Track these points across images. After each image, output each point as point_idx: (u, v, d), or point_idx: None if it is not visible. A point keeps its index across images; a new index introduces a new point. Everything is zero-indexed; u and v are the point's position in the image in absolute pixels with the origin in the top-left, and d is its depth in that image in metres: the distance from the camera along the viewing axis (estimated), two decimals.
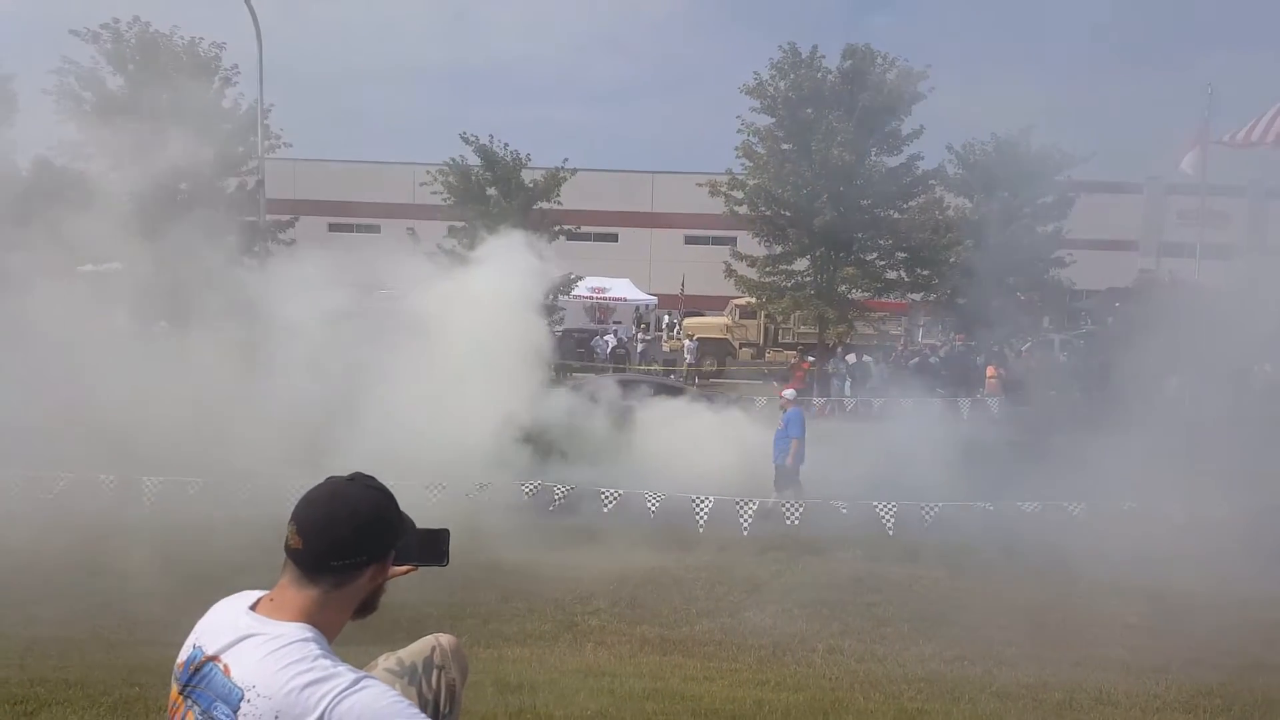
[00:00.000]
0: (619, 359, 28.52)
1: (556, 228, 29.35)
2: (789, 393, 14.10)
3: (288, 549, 1.83)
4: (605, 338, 30.95)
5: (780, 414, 13.59)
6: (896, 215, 28.83)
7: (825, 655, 7.77)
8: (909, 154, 28.45)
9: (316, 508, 1.83)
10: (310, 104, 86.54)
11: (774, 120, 28.05)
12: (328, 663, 1.71)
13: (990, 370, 24.59)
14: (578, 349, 29.59)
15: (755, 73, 27.95)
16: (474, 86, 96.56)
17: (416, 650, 2.28)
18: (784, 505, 12.00)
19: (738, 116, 28.43)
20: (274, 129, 27.86)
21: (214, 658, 1.79)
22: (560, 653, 7.64)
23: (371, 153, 69.29)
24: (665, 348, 32.43)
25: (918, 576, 10.41)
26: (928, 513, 11.71)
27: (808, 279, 28.85)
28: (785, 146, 28.03)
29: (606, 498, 11.93)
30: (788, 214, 28.15)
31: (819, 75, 27.53)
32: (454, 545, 2.08)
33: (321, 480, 1.91)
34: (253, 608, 1.84)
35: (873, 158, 28.16)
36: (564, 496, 12.00)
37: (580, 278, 31.65)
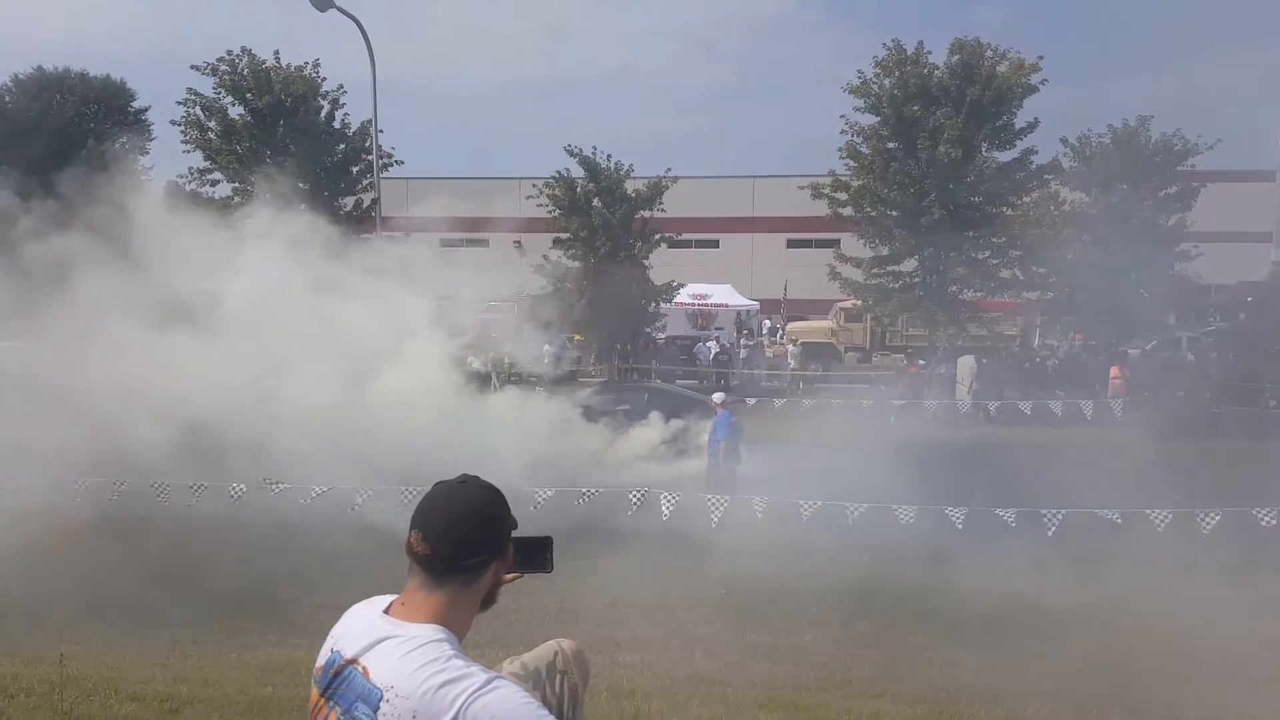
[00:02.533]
0: (721, 365, 28.41)
1: (658, 236, 29.56)
2: (718, 396, 14.29)
3: (413, 554, 1.86)
4: (707, 344, 30.91)
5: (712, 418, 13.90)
6: (1009, 211, 27.82)
7: (943, 667, 7.55)
8: (1022, 148, 27.45)
9: (437, 512, 1.87)
10: (420, 123, 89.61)
11: (879, 119, 27.51)
12: (460, 663, 1.75)
13: (1114, 371, 23.44)
14: (680, 356, 29.64)
15: (859, 72, 27.52)
16: (577, 100, 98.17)
17: (540, 655, 2.31)
18: (709, 501, 11.95)
19: (841, 116, 28.02)
20: (386, 148, 28.96)
21: (353, 660, 1.84)
22: (670, 659, 7.66)
23: (480, 169, 71.35)
24: (768, 353, 32.13)
25: (1039, 584, 10.00)
26: (1049, 519, 11.21)
27: (916, 280, 28.13)
28: (891, 145, 27.45)
29: (715, 506, 11.86)
30: (894, 214, 27.55)
31: (925, 71, 26.86)
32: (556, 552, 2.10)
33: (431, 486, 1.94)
34: (386, 611, 1.89)
35: (983, 153, 27.27)
36: (673, 505, 12.00)
37: (682, 285, 31.77)
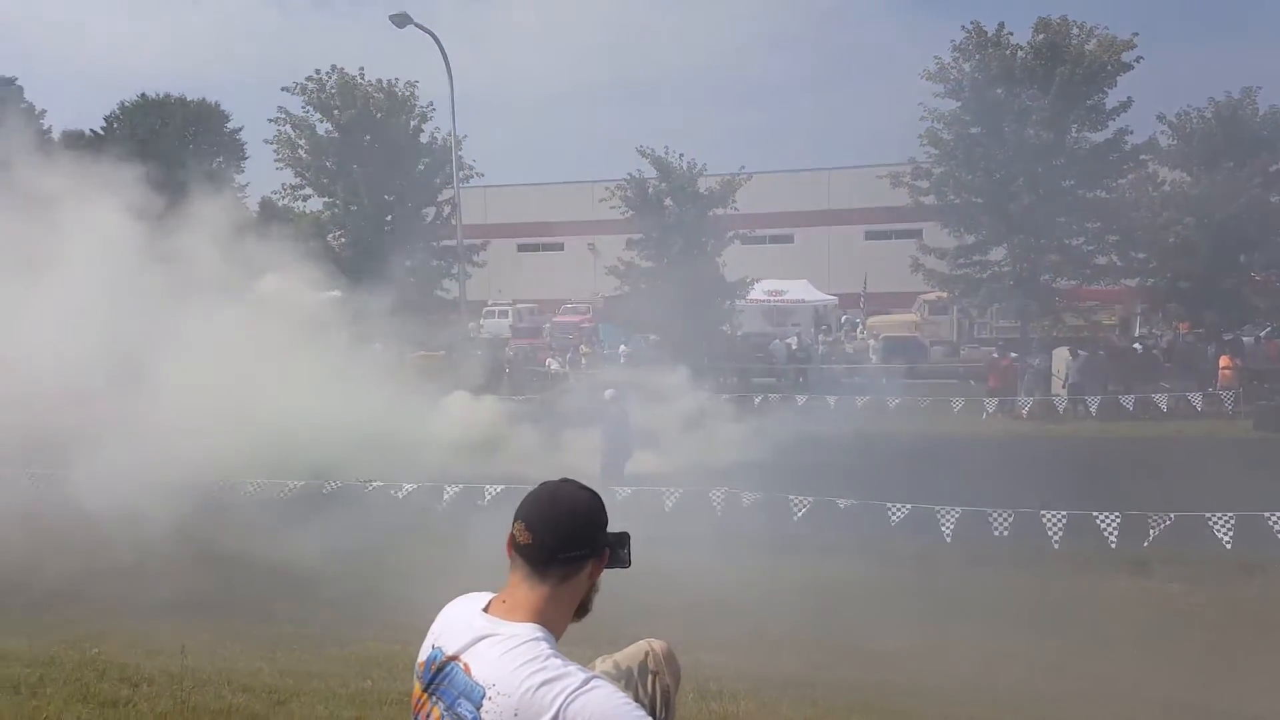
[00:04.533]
0: (799, 362, 27.97)
1: (731, 233, 29.32)
2: (610, 391, 14.26)
3: (517, 546, 1.91)
4: (785, 341, 30.48)
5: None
6: (1104, 195, 26.60)
7: (1045, 673, 7.22)
8: (1115, 128, 26.21)
9: (542, 504, 1.92)
10: (497, 132, 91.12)
11: (960, 104, 26.68)
12: (558, 662, 1.77)
13: (1224, 360, 22.17)
14: (756, 353, 29.29)
15: (936, 57, 26.72)
16: (648, 99, 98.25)
17: (631, 654, 2.32)
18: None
19: (919, 104, 27.26)
20: (466, 159, 29.45)
21: (454, 657, 1.88)
22: (756, 660, 7.53)
23: (554, 174, 72.14)
24: (848, 349, 31.53)
25: (1147, 590, 9.50)
26: (1104, 522, 10.55)
27: (1005, 269, 27.15)
28: (974, 130, 26.58)
29: (797, 504, 11.63)
30: (980, 201, 26.66)
31: (1007, 53, 25.93)
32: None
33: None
34: (486, 609, 1.93)
35: (1074, 135, 26.15)
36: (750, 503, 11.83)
37: (756, 281, 31.40)
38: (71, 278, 12.97)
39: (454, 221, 28.87)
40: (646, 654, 2.31)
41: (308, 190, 30.13)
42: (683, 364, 19.53)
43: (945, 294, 29.22)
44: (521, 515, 1.92)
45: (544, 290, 43.28)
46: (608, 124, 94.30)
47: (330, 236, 29.97)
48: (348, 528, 11.41)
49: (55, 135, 40.03)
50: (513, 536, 1.92)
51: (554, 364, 27.00)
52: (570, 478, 2.02)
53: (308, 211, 30.94)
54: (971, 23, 26.29)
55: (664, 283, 28.18)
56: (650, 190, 28.82)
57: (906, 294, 34.34)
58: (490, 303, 39.82)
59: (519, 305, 40.69)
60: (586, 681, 1.74)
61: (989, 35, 26.09)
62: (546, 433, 17.28)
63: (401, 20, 25.34)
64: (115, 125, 42.33)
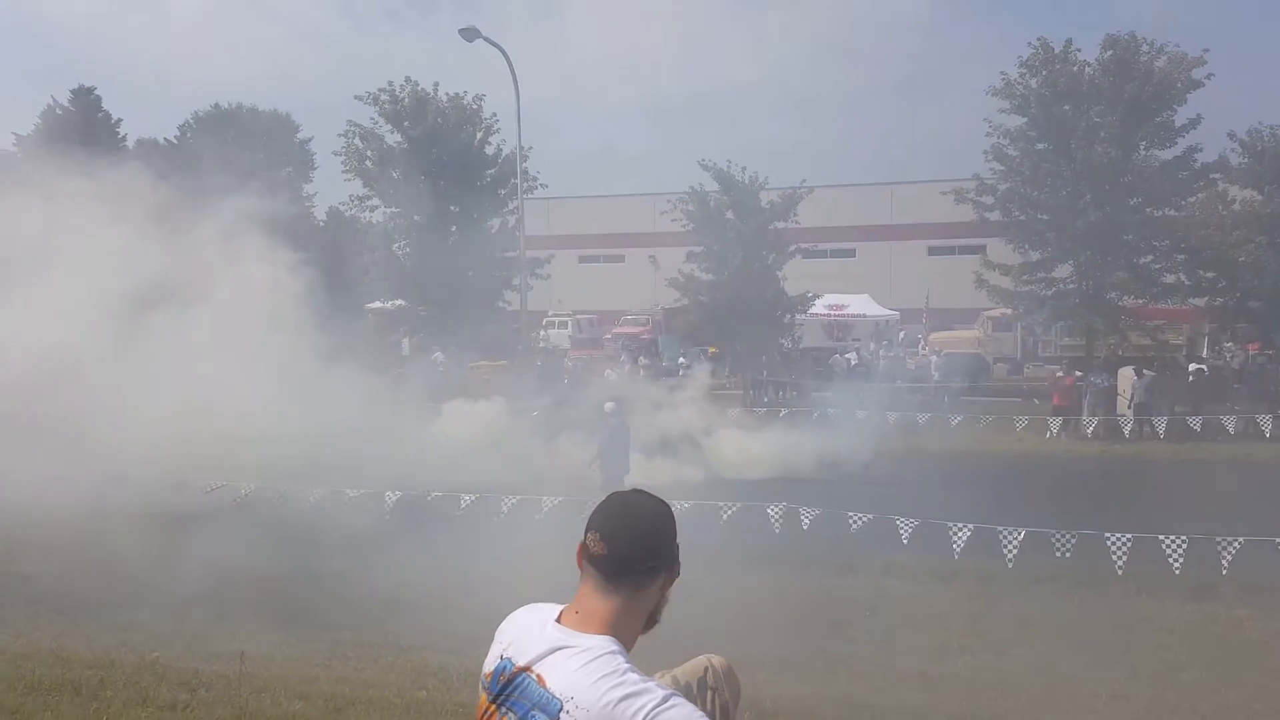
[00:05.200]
0: (859, 377, 27.76)
1: (792, 247, 29.28)
2: (609, 405, 14.25)
3: (589, 557, 1.89)
4: (845, 355, 30.28)
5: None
6: (1173, 213, 25.99)
7: (1110, 702, 7.16)
8: (1185, 146, 25.61)
9: (616, 515, 1.91)
10: (560, 143, 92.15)
11: (1026, 120, 26.32)
12: (637, 677, 1.75)
13: None
14: (816, 368, 29.17)
15: (1002, 73, 26.41)
16: (712, 113, 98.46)
17: (690, 670, 2.29)
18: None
19: (985, 119, 26.97)
20: (530, 170, 29.88)
21: (526, 669, 1.86)
22: (814, 681, 7.57)
23: (616, 186, 72.59)
24: (910, 365, 31.18)
25: (1214, 616, 9.32)
26: (1224, 548, 10.37)
27: (1071, 286, 26.67)
28: (1040, 146, 26.21)
29: (854, 520, 11.59)
30: (1045, 217, 26.27)
31: (1075, 69, 25.53)
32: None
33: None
34: (557, 620, 1.91)
35: (1142, 152, 25.62)
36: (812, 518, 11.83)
37: (817, 295, 31.27)
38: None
39: (517, 233, 29.33)
40: (706, 669, 2.28)
41: (375, 200, 30.85)
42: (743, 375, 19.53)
43: (1009, 310, 28.75)
44: (595, 525, 1.90)
45: (604, 302, 43.64)
46: (670, 136, 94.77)
47: (395, 246, 30.65)
48: (405, 537, 11.70)
49: (130, 143, 41.69)
50: (585, 547, 1.90)
51: (613, 375, 27.24)
52: (641, 488, 2.03)
53: (374, 222, 31.68)
54: (1038, 39, 25.98)
55: (724, 295, 28.28)
56: (712, 203, 28.95)
57: (969, 310, 33.84)
58: (550, 313, 40.27)
59: (579, 316, 41.07)
60: (667, 699, 1.72)
61: (1056, 52, 25.73)
62: (543, 439, 17.22)
63: (470, 34, 25.94)
64: (188, 134, 43.87)
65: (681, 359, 28.25)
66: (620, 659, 1.79)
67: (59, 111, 39.71)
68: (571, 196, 46.44)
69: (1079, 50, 25.72)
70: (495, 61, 26.81)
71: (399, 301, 32.04)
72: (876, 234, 45.16)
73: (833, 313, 36.36)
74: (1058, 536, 10.83)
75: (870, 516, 11.42)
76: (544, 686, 1.82)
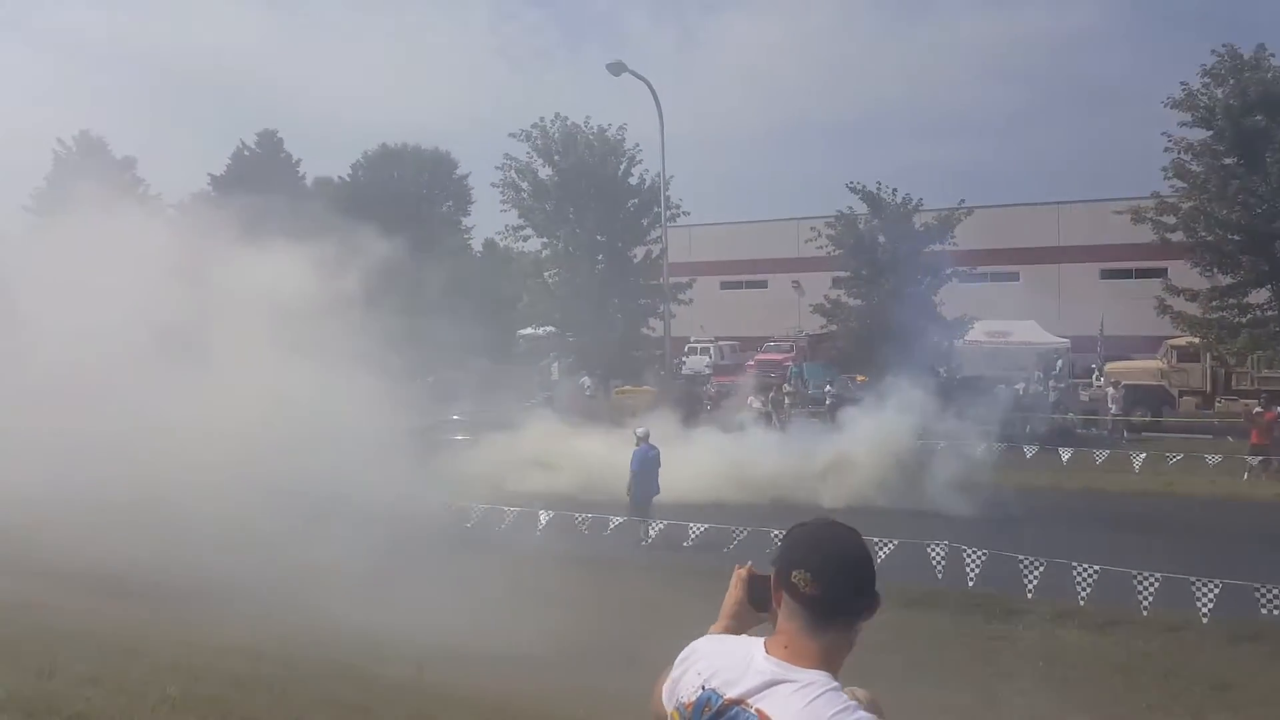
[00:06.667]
0: (1026, 409, 26.06)
1: (949, 270, 28.03)
2: (640, 430, 14.88)
3: (797, 595, 1.84)
4: (1011, 386, 28.55)
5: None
6: None
7: None
8: None
9: (825, 553, 1.85)
10: (702, 170, 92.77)
11: (1211, 133, 24.19)
12: (866, 714, 1.75)
13: None
14: (977, 399, 27.60)
15: (1182, 84, 24.42)
16: (859, 135, 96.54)
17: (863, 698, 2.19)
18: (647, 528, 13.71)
19: (1164, 134, 24.97)
20: (674, 199, 30.11)
21: (739, 701, 1.83)
22: None
23: (759, 212, 72.26)
24: (1084, 396, 29.04)
25: None
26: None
27: (1270, 313, 24.18)
28: (1228, 161, 24.00)
29: (1028, 568, 10.66)
30: (1237, 238, 23.97)
31: (1269, 76, 23.27)
32: None
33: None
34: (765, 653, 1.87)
35: None
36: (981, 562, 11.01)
37: (976, 320, 29.78)
38: None
39: (660, 261, 29.50)
40: (871, 701, 2.19)
41: (527, 231, 31.83)
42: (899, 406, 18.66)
43: (1197, 339, 26.34)
44: (801, 563, 1.84)
45: (746, 328, 43.22)
46: (814, 161, 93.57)
47: (546, 274, 31.48)
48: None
49: (309, 181, 44.93)
50: (794, 586, 1.84)
51: (755, 402, 26.78)
52: (831, 519, 1.96)
53: (527, 251, 32.70)
54: (1225, 45, 23.87)
55: (874, 321, 27.34)
56: (861, 226, 28.17)
57: (1150, 338, 31.29)
58: (692, 339, 40.24)
59: (720, 343, 40.84)
60: None
61: (1246, 59, 23.57)
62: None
63: (617, 68, 26.40)
64: (359, 173, 46.80)
65: (828, 386, 27.41)
66: (844, 696, 1.78)
67: (246, 154, 43.30)
68: (714, 223, 46.43)
69: (1273, 55, 23.47)
70: (641, 93, 27.19)
71: (549, 328, 32.84)
72: (1043, 256, 42.62)
73: (994, 339, 34.45)
74: (1263, 591, 9.60)
75: (1042, 561, 10.51)
76: None
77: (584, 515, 13.40)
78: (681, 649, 2.11)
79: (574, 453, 18.21)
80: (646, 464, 14.22)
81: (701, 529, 12.51)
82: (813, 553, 1.85)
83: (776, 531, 11.08)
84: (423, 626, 8.59)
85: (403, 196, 44.36)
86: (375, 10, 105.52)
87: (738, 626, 2.12)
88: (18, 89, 68.67)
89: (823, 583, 1.82)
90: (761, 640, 1.90)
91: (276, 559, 10.12)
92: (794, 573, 1.84)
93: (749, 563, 2.19)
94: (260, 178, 39.09)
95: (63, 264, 15.49)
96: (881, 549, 10.89)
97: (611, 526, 13.48)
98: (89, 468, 12.25)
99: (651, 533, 13.78)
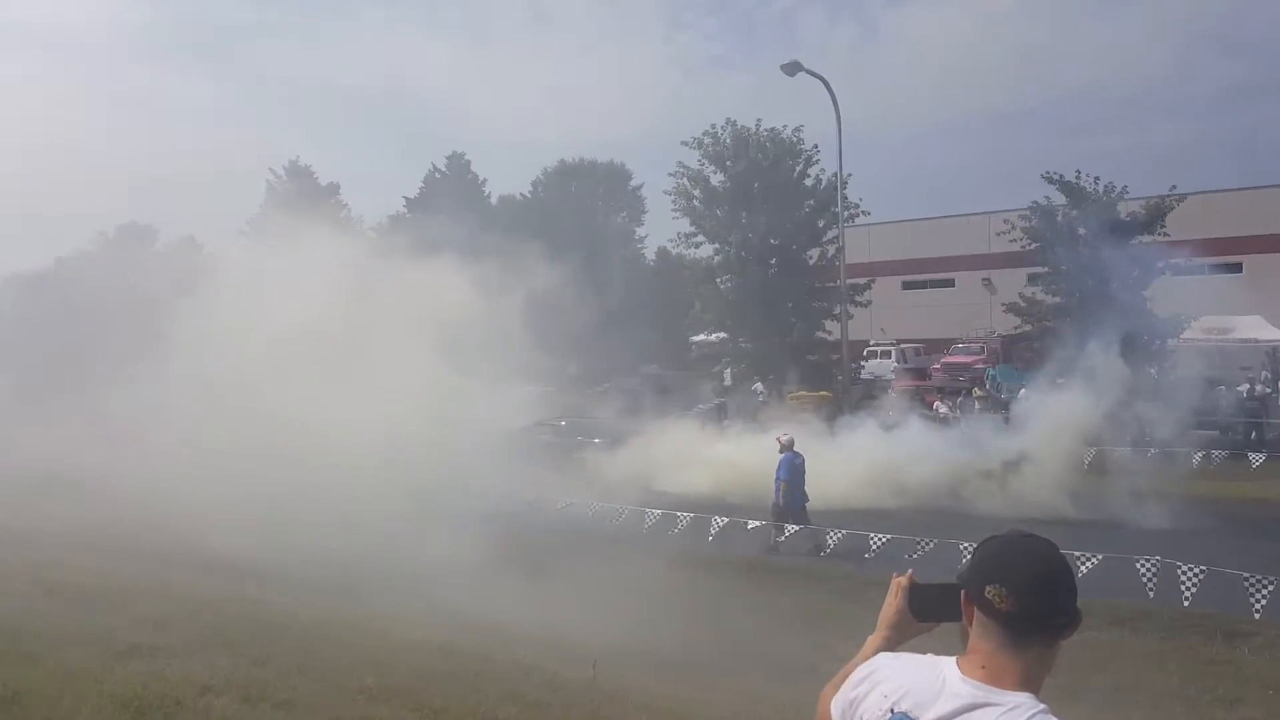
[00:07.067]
0: (1251, 412, 23.42)
1: (1161, 263, 25.62)
2: (785, 437, 14.49)
3: (992, 612, 1.76)
4: (1236, 387, 25.77)
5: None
6: None
7: None
8: None
9: (1020, 566, 1.77)
10: (880, 167, 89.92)
11: None
12: None
13: None
14: (1195, 401, 25.06)
15: None
16: (1052, 122, 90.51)
17: None
18: (775, 539, 13.45)
19: None
20: (852, 198, 29.32)
21: None
22: None
23: (943, 207, 69.19)
24: None
25: None
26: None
27: None
28: None
29: (1254, 586, 9.50)
30: None
31: None
32: None
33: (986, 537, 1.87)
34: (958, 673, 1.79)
35: None
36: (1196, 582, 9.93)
37: (1194, 317, 27.12)
38: None
39: (837, 262, 28.75)
40: None
41: (700, 238, 31.89)
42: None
43: None
44: (995, 577, 1.76)
45: (931, 329, 41.28)
46: (1003, 152, 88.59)
47: (719, 280, 31.43)
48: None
49: (494, 199, 47.20)
50: (988, 601, 1.76)
51: (942, 407, 25.53)
52: (1024, 530, 1.85)
53: (699, 258, 32.78)
54: None
55: (1076, 320, 25.39)
56: (1059, 218, 26.30)
57: None
58: (872, 342, 38.94)
59: (903, 345, 39.28)
60: None
61: None
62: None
63: (792, 69, 26.02)
64: (539, 189, 48.67)
65: (1024, 390, 25.72)
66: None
67: (437, 176, 46.02)
68: (894, 220, 44.73)
69: None
70: (817, 93, 26.66)
71: (721, 334, 32.75)
72: (1272, 244, 38.22)
73: (1214, 336, 31.16)
74: (777, 539, 9.74)
75: (1271, 579, 9.34)
76: None
77: (722, 518, 13.34)
78: (838, 660, 2.00)
79: (718, 457, 18.33)
80: (795, 471, 14.08)
81: (885, 539, 11.96)
82: (1008, 567, 1.77)
83: (966, 545, 10.61)
84: (581, 626, 8.79)
85: (580, 209, 45.83)
86: (554, 33, 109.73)
87: (898, 637, 2.02)
88: (234, 124, 76.43)
89: (1020, 598, 1.74)
90: (952, 660, 1.82)
91: (432, 557, 10.74)
92: (988, 588, 1.76)
93: (909, 571, 2.09)
94: (450, 198, 41.49)
95: (251, 284, 17.36)
96: (1083, 564, 10.08)
97: (781, 535, 13.34)
98: (243, 469, 13.49)
99: (783, 539, 13.51)
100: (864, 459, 16.98)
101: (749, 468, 16.31)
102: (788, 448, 14.30)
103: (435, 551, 10.95)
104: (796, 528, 13.26)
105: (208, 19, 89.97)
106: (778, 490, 14.06)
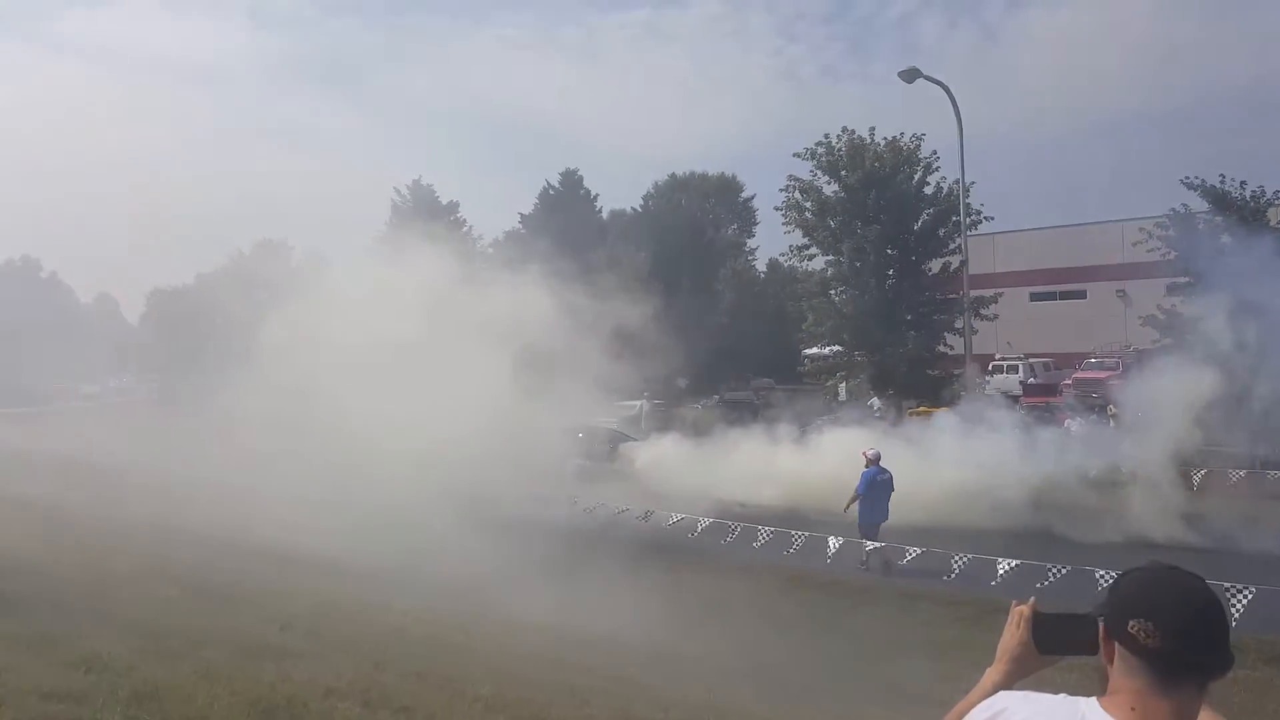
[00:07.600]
0: None
1: None
2: (871, 452, 14.08)
3: (1137, 648, 1.69)
4: None
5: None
6: None
7: None
8: None
9: (1168, 603, 1.69)
10: (1005, 175, 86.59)
11: None
12: None
13: None
14: None
15: None
16: (1196, 124, 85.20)
17: None
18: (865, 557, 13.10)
19: None
20: (974, 205, 28.25)
21: None
22: None
23: (1073, 215, 66.02)
24: None
25: None
26: None
27: None
28: None
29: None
30: None
31: None
32: None
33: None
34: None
35: None
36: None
37: None
38: None
39: (960, 273, 27.73)
40: None
41: (813, 250, 31.28)
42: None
43: None
44: (1142, 612, 1.68)
45: (1061, 343, 39.28)
46: (1137, 157, 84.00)
47: (832, 292, 30.76)
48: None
49: (605, 214, 47.78)
50: (1132, 637, 1.69)
51: (1074, 425, 24.20)
52: (1168, 563, 1.76)
53: (812, 270, 32.16)
54: None
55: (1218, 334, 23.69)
56: (1201, 226, 24.66)
57: None
58: (998, 356, 37.35)
59: (1031, 360, 37.51)
60: None
61: None
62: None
63: (910, 75, 25.35)
64: (649, 203, 48.99)
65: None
66: None
67: (551, 193, 46.94)
68: (1022, 229, 42.88)
69: None
70: (937, 101, 25.89)
71: (835, 347, 32.04)
72: None
73: None
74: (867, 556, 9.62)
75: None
76: None
77: (803, 533, 13.16)
78: (958, 689, 1.90)
79: (800, 469, 18.02)
80: (875, 487, 13.61)
81: (966, 559, 11.55)
82: (1154, 601, 1.69)
83: (1054, 568, 10.24)
84: (676, 639, 8.70)
85: (690, 222, 45.84)
86: (667, 50, 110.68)
87: (1019, 670, 1.90)
88: (360, 146, 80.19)
89: (1169, 636, 1.66)
90: (1091, 700, 1.74)
91: (521, 568, 10.92)
92: (1132, 623, 1.68)
93: (1031, 599, 1.95)
94: (563, 213, 42.23)
95: (351, 298, 18.30)
96: (1234, 599, 9.31)
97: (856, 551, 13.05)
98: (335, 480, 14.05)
99: (865, 558, 13.17)
100: (954, 473, 16.35)
101: (817, 479, 16.25)
102: (873, 462, 13.84)
103: (523, 562, 11.20)
104: (878, 544, 12.90)
105: (338, 48, 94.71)
106: (857, 505, 13.73)
